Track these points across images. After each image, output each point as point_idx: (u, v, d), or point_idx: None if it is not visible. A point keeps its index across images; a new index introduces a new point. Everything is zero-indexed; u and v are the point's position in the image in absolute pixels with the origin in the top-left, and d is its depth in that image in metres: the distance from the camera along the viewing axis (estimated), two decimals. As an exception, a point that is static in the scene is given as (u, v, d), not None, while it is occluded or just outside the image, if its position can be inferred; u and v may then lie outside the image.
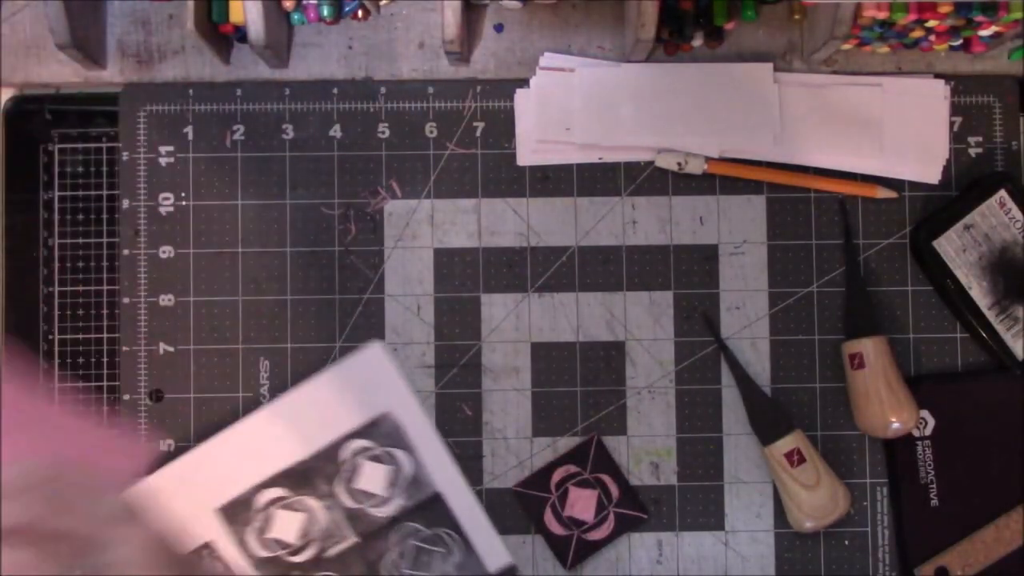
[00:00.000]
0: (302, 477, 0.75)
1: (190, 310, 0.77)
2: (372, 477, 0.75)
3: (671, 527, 0.76)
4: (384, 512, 0.75)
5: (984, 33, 0.74)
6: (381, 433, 0.75)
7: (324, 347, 0.77)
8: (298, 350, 0.77)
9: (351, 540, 0.75)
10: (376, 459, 0.75)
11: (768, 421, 0.75)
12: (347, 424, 0.75)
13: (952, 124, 0.78)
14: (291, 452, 0.75)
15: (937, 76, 0.78)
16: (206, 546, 0.74)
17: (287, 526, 0.74)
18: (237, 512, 0.75)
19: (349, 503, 0.75)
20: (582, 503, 0.75)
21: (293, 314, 0.77)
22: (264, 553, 0.74)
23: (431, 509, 0.75)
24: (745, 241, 0.78)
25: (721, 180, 0.78)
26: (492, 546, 0.75)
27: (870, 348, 0.74)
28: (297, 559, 0.74)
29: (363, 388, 0.75)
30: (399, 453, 0.75)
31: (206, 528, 0.74)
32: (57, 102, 0.78)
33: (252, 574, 0.74)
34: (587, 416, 0.77)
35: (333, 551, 0.75)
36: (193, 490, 0.75)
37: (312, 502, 0.75)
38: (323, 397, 0.75)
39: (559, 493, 0.75)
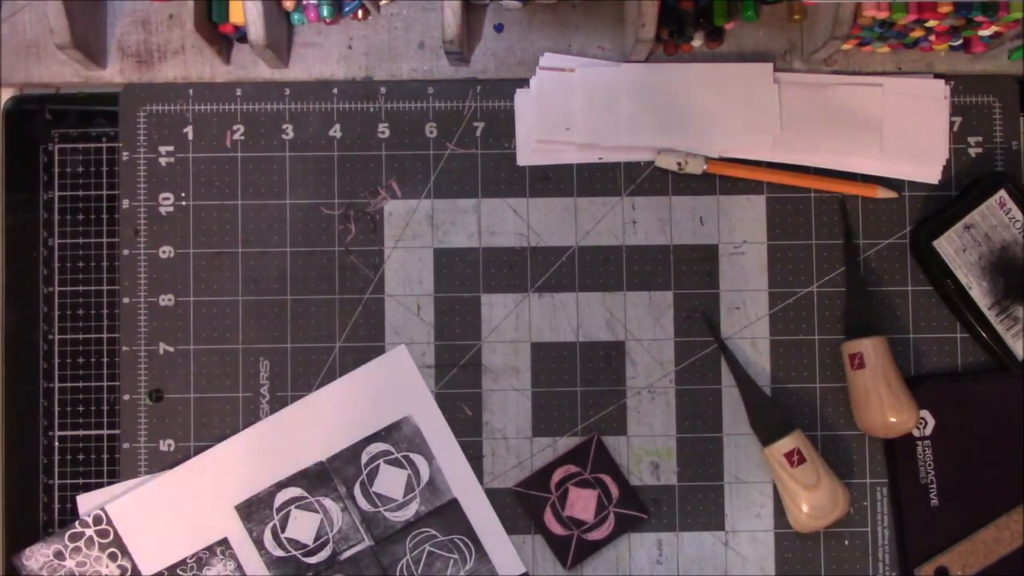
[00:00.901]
0: (320, 478, 0.75)
1: (190, 310, 0.77)
2: (390, 481, 0.75)
3: (671, 527, 0.76)
4: (400, 517, 0.75)
5: (984, 33, 0.74)
6: (400, 437, 0.75)
7: (324, 347, 0.77)
8: (298, 350, 0.77)
9: (366, 543, 0.75)
10: (394, 463, 0.75)
11: (768, 421, 0.75)
12: (368, 427, 0.75)
13: (952, 124, 0.78)
14: (311, 452, 0.75)
15: (937, 76, 0.78)
16: (222, 542, 0.74)
17: (303, 526, 0.75)
18: (254, 510, 0.75)
19: (366, 506, 0.75)
20: (582, 503, 0.75)
21: (293, 314, 0.77)
22: (279, 552, 0.75)
23: (447, 515, 0.75)
24: (745, 241, 0.78)
25: (721, 180, 0.78)
26: (506, 554, 0.75)
27: (870, 348, 0.74)
28: (311, 560, 0.74)
29: (386, 391, 0.76)
30: (417, 458, 0.75)
31: (223, 524, 0.75)
32: (57, 102, 0.78)
33: (266, 574, 0.74)
34: (587, 416, 0.77)
35: (347, 553, 0.75)
36: (213, 486, 0.75)
37: (329, 503, 0.75)
38: (346, 398, 0.76)
39: (559, 493, 0.75)
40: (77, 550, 0.74)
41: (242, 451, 0.75)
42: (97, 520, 0.74)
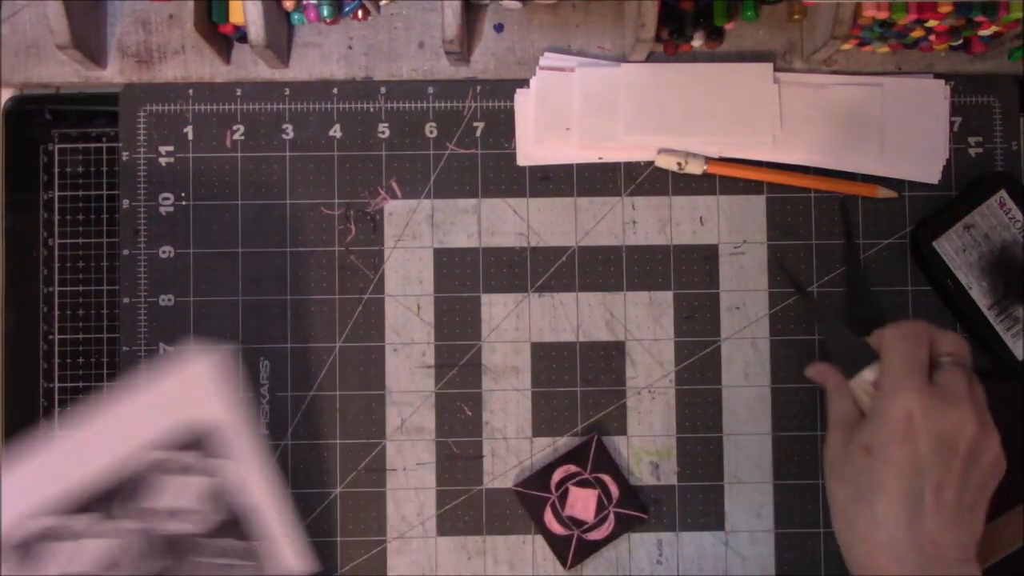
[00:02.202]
0: (101, 499, 0.68)
1: (190, 310, 0.77)
2: (183, 492, 0.69)
3: (671, 527, 0.76)
4: (194, 528, 0.69)
5: (984, 33, 0.74)
6: (192, 444, 0.70)
7: (324, 347, 0.77)
8: (298, 350, 0.77)
9: (162, 561, 0.68)
10: (187, 471, 0.69)
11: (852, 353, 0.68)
12: (150, 436, 0.69)
13: (952, 124, 0.78)
14: (93, 473, 0.68)
15: (937, 76, 0.78)
16: None
17: (86, 558, 0.68)
18: (32, 549, 0.68)
19: (158, 522, 0.68)
20: (582, 503, 0.75)
21: (293, 314, 0.77)
22: None
23: (243, 522, 0.69)
24: (745, 241, 0.78)
25: (721, 180, 0.78)
26: (304, 556, 0.70)
27: (870, 348, 0.74)
28: None
29: (170, 395, 0.69)
30: (212, 463, 0.69)
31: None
32: (57, 102, 0.78)
33: None
34: (587, 416, 0.77)
35: None
36: None
37: (112, 525, 0.68)
38: (123, 410, 0.69)
39: (559, 493, 0.75)
40: None
41: (15, 488, 0.68)
42: None
